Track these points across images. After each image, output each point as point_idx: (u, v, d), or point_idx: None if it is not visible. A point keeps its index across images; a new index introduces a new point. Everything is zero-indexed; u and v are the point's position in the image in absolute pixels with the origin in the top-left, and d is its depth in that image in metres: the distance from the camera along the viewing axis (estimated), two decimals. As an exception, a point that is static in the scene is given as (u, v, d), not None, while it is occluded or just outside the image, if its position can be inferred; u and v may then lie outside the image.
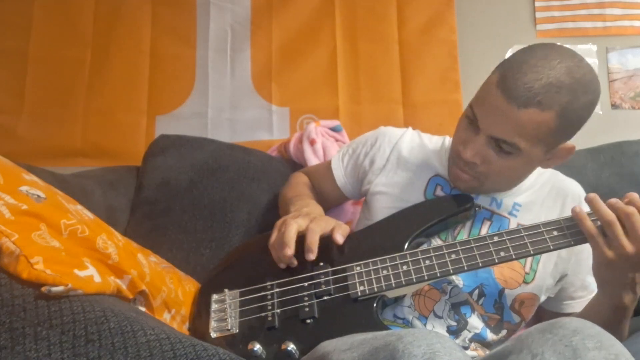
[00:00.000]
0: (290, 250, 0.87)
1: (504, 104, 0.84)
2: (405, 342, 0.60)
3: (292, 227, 0.89)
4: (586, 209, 1.02)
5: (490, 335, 0.95)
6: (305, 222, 0.91)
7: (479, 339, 0.94)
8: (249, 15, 1.87)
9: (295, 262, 0.90)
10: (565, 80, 0.83)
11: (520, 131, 0.85)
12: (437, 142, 1.10)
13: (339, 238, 0.90)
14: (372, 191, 1.07)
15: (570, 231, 0.83)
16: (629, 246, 0.78)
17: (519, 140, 0.85)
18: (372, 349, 0.63)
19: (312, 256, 0.87)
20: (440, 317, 0.93)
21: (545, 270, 0.97)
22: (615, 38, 1.85)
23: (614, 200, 0.81)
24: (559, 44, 0.88)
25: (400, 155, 1.08)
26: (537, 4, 1.88)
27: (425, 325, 0.92)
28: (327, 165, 1.18)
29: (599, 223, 0.81)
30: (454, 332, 0.93)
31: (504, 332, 0.97)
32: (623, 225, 0.79)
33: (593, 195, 0.82)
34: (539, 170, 1.05)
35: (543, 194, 1.03)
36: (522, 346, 0.61)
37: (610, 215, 0.79)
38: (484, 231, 0.98)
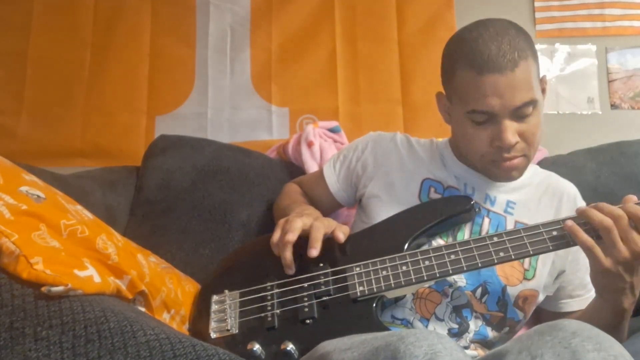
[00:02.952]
0: (293, 236, 0.88)
1: (500, 77, 0.88)
2: (407, 342, 0.59)
3: (297, 222, 0.90)
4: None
5: (491, 333, 0.95)
6: (309, 221, 0.92)
7: (480, 338, 0.95)
8: (249, 15, 1.87)
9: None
10: (511, 32, 0.91)
11: (528, 85, 0.90)
12: (426, 144, 1.12)
13: (341, 236, 0.91)
14: (367, 194, 1.07)
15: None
16: (624, 250, 0.78)
17: (534, 93, 0.91)
18: (373, 349, 0.62)
19: (315, 252, 0.88)
20: (441, 320, 0.93)
21: (543, 268, 0.98)
22: (615, 38, 1.86)
23: (602, 205, 0.82)
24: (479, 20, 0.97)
25: (393, 158, 1.09)
26: (536, 4, 1.88)
27: (426, 327, 0.92)
28: (319, 174, 1.19)
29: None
30: (456, 335, 0.93)
31: (505, 329, 0.97)
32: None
33: (581, 207, 0.84)
34: (533, 171, 1.07)
35: (539, 194, 1.04)
36: (521, 347, 0.61)
37: (608, 221, 0.79)
38: (485, 227, 0.98)
